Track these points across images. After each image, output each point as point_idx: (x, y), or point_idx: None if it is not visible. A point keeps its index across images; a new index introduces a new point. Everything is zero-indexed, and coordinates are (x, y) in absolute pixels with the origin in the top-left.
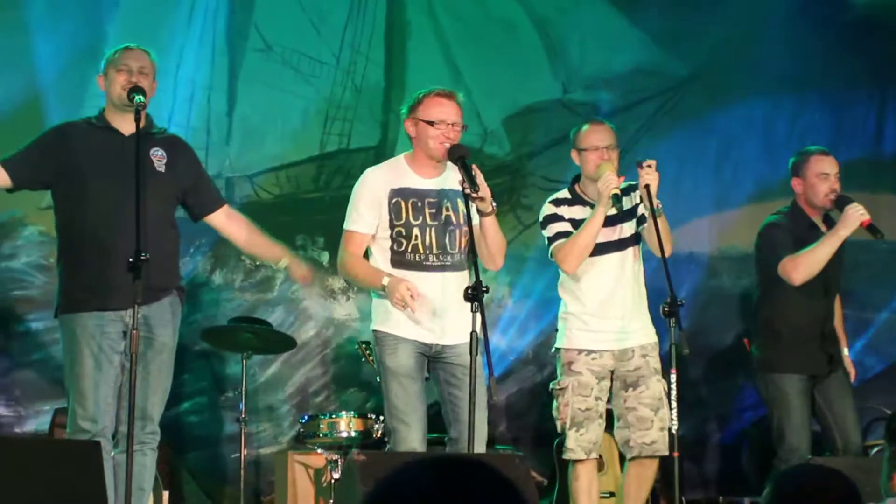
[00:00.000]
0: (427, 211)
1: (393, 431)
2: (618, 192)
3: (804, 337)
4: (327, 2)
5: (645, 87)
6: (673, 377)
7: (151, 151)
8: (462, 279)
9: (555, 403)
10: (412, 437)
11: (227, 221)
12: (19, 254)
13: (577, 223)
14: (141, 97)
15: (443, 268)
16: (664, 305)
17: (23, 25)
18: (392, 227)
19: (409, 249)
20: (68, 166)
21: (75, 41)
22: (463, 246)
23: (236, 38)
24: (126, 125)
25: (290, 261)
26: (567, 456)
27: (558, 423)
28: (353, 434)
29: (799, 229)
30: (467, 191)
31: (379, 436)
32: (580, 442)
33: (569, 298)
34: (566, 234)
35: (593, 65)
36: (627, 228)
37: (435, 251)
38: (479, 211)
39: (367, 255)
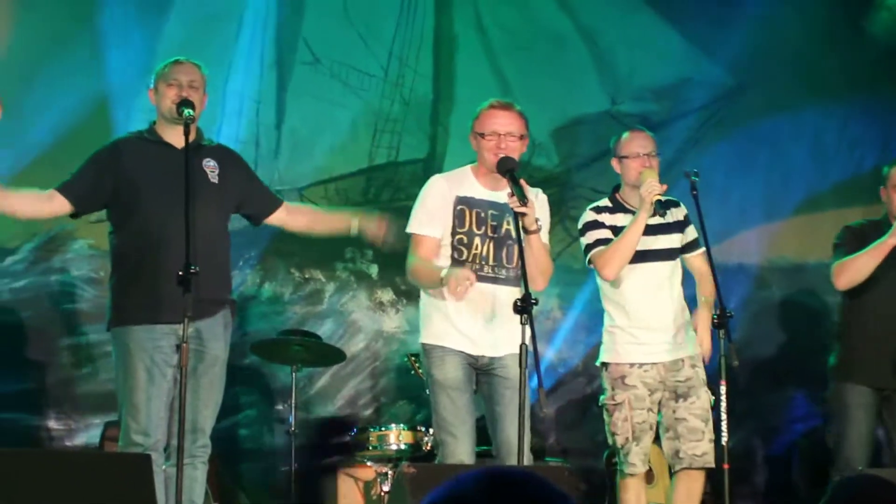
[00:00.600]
0: (489, 223)
1: (441, 444)
2: (661, 198)
3: (878, 349)
4: (375, 15)
5: (693, 98)
6: (723, 389)
7: (204, 163)
8: (514, 295)
9: (608, 419)
10: (460, 450)
11: (287, 217)
12: (70, 267)
13: (617, 231)
14: (190, 111)
15: (495, 280)
16: (714, 317)
17: (95, 34)
18: (454, 234)
19: (469, 258)
20: (122, 182)
21: (144, 51)
22: (516, 262)
23: (285, 51)
24: (177, 138)
25: (361, 223)
26: (630, 471)
27: (616, 438)
28: (402, 447)
29: (877, 236)
30: (514, 205)
31: (429, 448)
32: (639, 455)
33: (615, 311)
34: (606, 242)
35: (641, 76)
36: (672, 240)
37: (490, 263)
38: (523, 227)
39: None
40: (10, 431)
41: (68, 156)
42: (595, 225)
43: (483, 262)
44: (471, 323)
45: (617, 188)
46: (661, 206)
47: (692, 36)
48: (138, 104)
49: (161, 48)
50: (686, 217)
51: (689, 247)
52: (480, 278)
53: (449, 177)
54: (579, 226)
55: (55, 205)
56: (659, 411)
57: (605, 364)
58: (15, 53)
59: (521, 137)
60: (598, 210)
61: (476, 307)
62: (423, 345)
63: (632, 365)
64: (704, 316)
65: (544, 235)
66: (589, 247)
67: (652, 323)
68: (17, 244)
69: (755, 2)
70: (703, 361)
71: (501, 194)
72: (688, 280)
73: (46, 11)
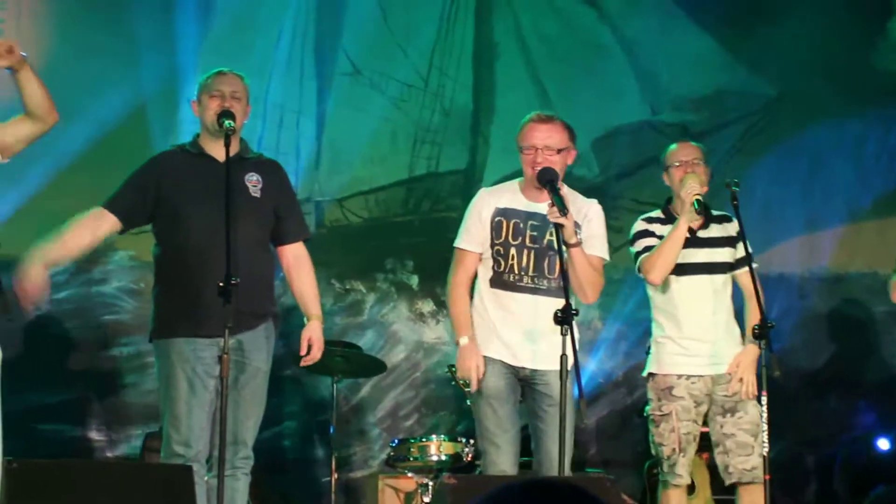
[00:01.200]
0: (528, 233)
1: (484, 453)
2: (699, 198)
3: None
4: (415, 25)
5: (733, 108)
6: (763, 399)
7: (246, 177)
8: (556, 306)
9: (653, 429)
10: (502, 460)
11: (290, 263)
12: (110, 278)
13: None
14: (231, 122)
15: (536, 291)
16: (755, 328)
17: (131, 44)
18: (493, 245)
19: (506, 270)
20: (165, 196)
21: (179, 57)
22: (559, 273)
23: (325, 62)
24: (220, 151)
25: (310, 326)
26: (675, 482)
27: (662, 449)
28: (443, 457)
29: None
30: (552, 215)
31: (470, 459)
32: (685, 466)
33: (664, 322)
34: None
35: (681, 86)
36: (723, 253)
37: (530, 273)
38: (563, 240)
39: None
40: (52, 442)
41: (103, 163)
42: (645, 234)
43: (522, 273)
44: (511, 334)
45: (669, 200)
46: (700, 206)
47: (732, 46)
48: (177, 113)
49: (202, 60)
50: (738, 233)
51: (740, 263)
52: (520, 289)
53: (494, 189)
54: (630, 235)
55: (106, 224)
56: (705, 423)
57: (651, 374)
58: (54, 62)
59: (562, 150)
60: (650, 220)
61: (516, 318)
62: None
63: (679, 376)
64: (749, 354)
65: (602, 246)
66: (638, 254)
67: (700, 335)
68: None
69: (795, 12)
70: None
71: (543, 205)
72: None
73: (85, 22)
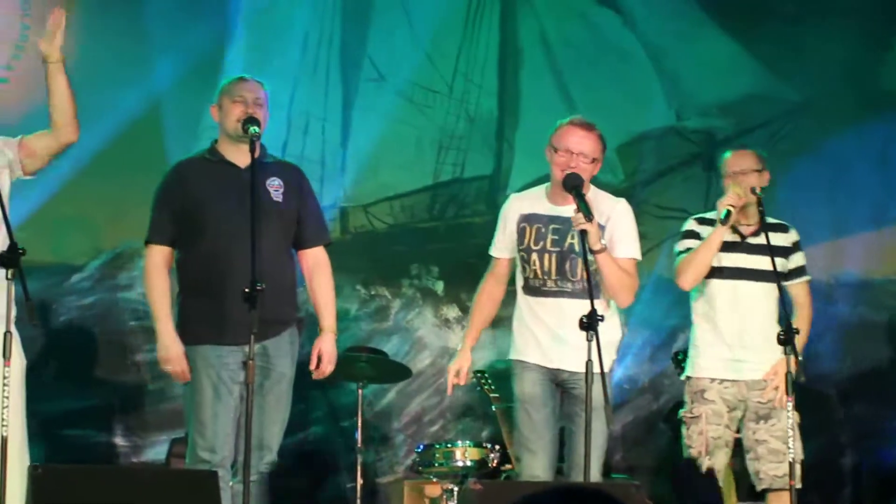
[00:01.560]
0: (550, 237)
1: (517, 459)
2: (729, 208)
3: None
4: (440, 31)
5: (759, 114)
6: (789, 405)
7: (268, 182)
8: (582, 307)
9: (685, 431)
10: (536, 465)
11: (309, 267)
12: (136, 284)
13: None
14: (256, 128)
15: (560, 294)
16: (779, 333)
17: (143, 37)
18: (519, 251)
19: (531, 275)
20: (188, 204)
21: (194, 56)
22: (587, 276)
23: (350, 68)
24: (241, 157)
25: (322, 338)
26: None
27: (691, 451)
28: (468, 463)
29: None
30: (577, 222)
31: (495, 465)
32: (712, 468)
33: (703, 325)
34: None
35: (707, 91)
36: (770, 262)
37: (553, 277)
38: (588, 246)
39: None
40: (77, 448)
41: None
42: (690, 234)
43: (546, 277)
44: (545, 338)
45: None
46: (727, 216)
47: (758, 51)
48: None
49: (226, 66)
50: (794, 244)
51: (792, 274)
52: (545, 293)
53: (522, 195)
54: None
55: (166, 256)
56: (739, 430)
57: (688, 378)
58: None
59: (594, 160)
60: (702, 221)
61: (546, 322)
62: (511, 361)
63: (712, 380)
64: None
65: (631, 247)
66: (679, 254)
67: (738, 340)
68: (84, 261)
69: (820, 18)
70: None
71: (566, 209)
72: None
73: (107, 25)
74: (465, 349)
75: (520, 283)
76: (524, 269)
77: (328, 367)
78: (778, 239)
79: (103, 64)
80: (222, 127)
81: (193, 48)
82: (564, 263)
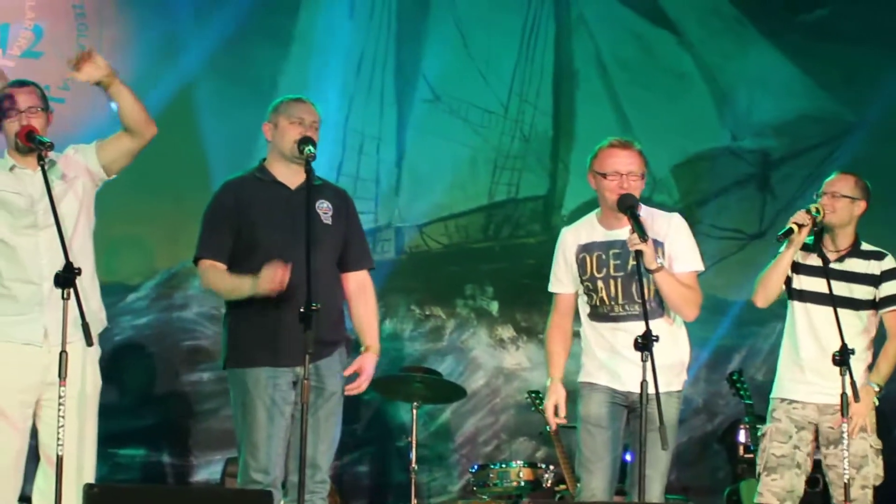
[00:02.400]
0: (612, 262)
1: (579, 479)
2: (793, 226)
3: None
4: (495, 52)
5: (813, 134)
6: (844, 427)
7: (318, 204)
8: (660, 325)
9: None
10: (594, 485)
11: (353, 290)
12: (191, 304)
13: (799, 267)
14: (312, 148)
15: (629, 317)
16: (835, 354)
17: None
18: (582, 282)
19: (598, 302)
20: (243, 224)
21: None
22: (652, 295)
23: (405, 88)
24: (292, 177)
25: (365, 356)
26: (757, 500)
27: (757, 468)
28: (522, 483)
29: None
30: (632, 243)
31: (549, 485)
32: (771, 487)
33: (785, 345)
34: None
35: (761, 112)
36: (857, 290)
37: (620, 301)
38: (644, 266)
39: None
40: (132, 467)
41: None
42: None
43: (613, 303)
44: (615, 361)
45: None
46: (787, 233)
47: (812, 72)
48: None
49: (282, 84)
50: (886, 272)
51: (883, 303)
52: (614, 318)
53: (575, 227)
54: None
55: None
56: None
57: (771, 398)
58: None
59: (642, 176)
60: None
61: (615, 345)
62: (579, 383)
63: (782, 400)
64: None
65: (690, 259)
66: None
67: (814, 364)
68: (140, 281)
69: (874, 37)
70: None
71: (622, 232)
72: None
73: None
74: (556, 383)
75: (585, 311)
76: (590, 297)
77: (364, 383)
78: (868, 266)
79: (145, 79)
80: (275, 146)
81: (242, 66)
82: (630, 286)
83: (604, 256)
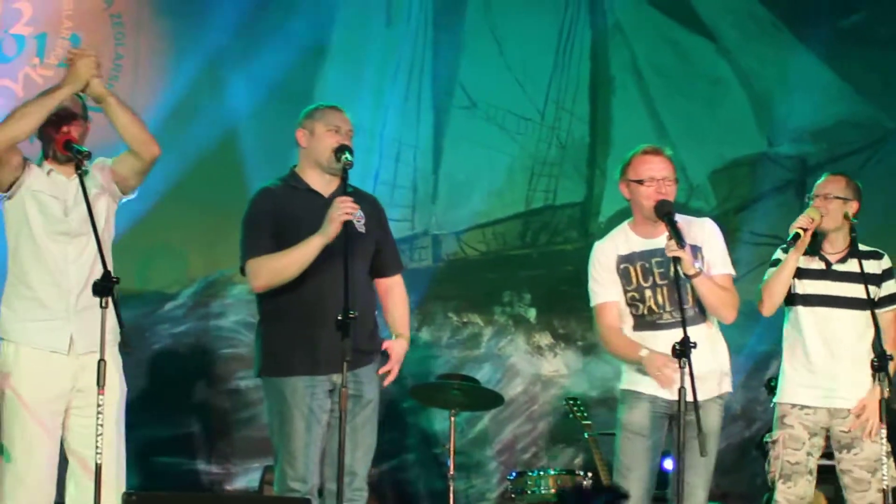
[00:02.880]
0: (656, 271)
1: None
2: (799, 231)
3: None
4: (531, 59)
5: (851, 140)
6: (883, 432)
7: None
8: (700, 331)
9: (768, 457)
10: (631, 493)
11: (385, 293)
12: (228, 312)
13: (801, 272)
14: (349, 156)
15: (676, 324)
16: (873, 360)
17: (217, 61)
18: (626, 292)
19: (646, 312)
20: (280, 231)
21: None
22: (693, 301)
23: (441, 96)
24: (324, 185)
25: (396, 340)
26: None
27: (769, 477)
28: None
29: None
30: (670, 249)
31: None
32: (787, 495)
33: (791, 351)
34: None
35: (798, 117)
36: (860, 290)
37: (668, 309)
38: (683, 272)
39: None
40: (170, 475)
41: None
42: (775, 263)
43: (662, 311)
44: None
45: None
46: (794, 238)
47: (850, 78)
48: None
49: (318, 92)
50: (885, 271)
51: (882, 302)
52: (662, 326)
53: (609, 239)
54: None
55: None
56: (828, 455)
57: (775, 403)
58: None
59: (676, 181)
60: (786, 249)
61: (667, 353)
62: (622, 391)
63: (793, 406)
64: (874, 396)
65: (724, 263)
66: (763, 282)
67: (824, 368)
68: (177, 290)
69: None
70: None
71: (660, 240)
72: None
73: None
74: (651, 352)
75: (630, 322)
76: (636, 308)
77: (395, 367)
78: (868, 266)
79: (181, 87)
80: (310, 153)
81: (278, 73)
82: (675, 293)
83: (647, 265)
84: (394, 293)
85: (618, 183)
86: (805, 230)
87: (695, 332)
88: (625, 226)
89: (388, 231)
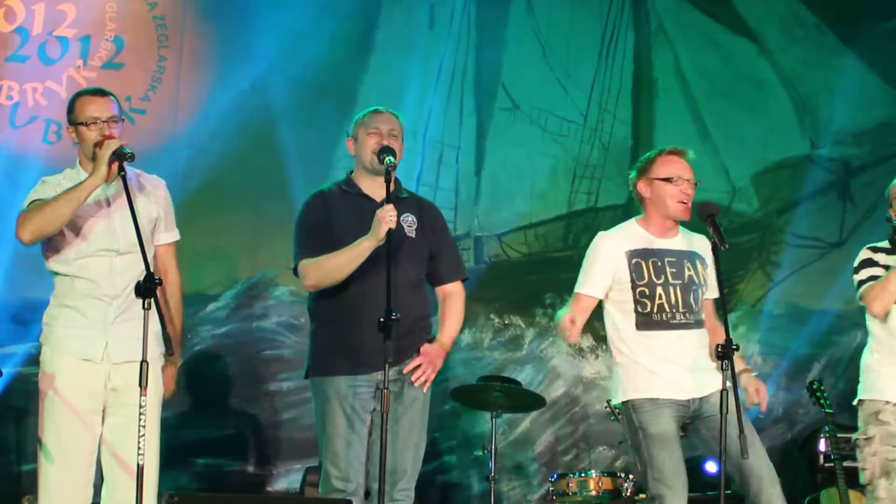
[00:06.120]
0: (668, 270)
1: (658, 497)
2: None
3: None
4: (574, 61)
5: (894, 142)
6: None
7: (402, 217)
8: (702, 338)
9: (859, 455)
10: (677, 502)
11: (442, 300)
12: (270, 313)
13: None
14: (391, 158)
15: (686, 326)
16: None
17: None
18: (634, 287)
19: (655, 309)
20: (332, 235)
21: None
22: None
23: (484, 97)
24: (377, 189)
25: (432, 345)
26: None
27: (864, 474)
28: (602, 493)
29: None
30: (723, 249)
31: (629, 494)
32: (891, 492)
33: (879, 349)
34: (878, 279)
35: (841, 120)
36: None
37: (681, 309)
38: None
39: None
40: (212, 476)
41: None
42: (869, 263)
43: (673, 310)
44: (673, 370)
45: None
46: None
47: (893, 80)
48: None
49: (361, 94)
50: None
51: None
52: (672, 326)
53: (617, 232)
54: (854, 264)
55: None
56: None
57: (861, 401)
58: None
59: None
60: (875, 249)
61: (674, 354)
62: (631, 402)
63: (887, 402)
64: None
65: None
66: (861, 283)
67: None
68: (219, 291)
69: None
70: None
71: (675, 241)
72: None
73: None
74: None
75: (629, 321)
76: (644, 304)
77: (426, 369)
78: None
79: (224, 89)
80: (358, 159)
81: (320, 76)
82: (689, 295)
83: (659, 263)
84: (449, 301)
85: (632, 180)
86: None
87: (702, 335)
88: (633, 223)
89: (446, 238)
